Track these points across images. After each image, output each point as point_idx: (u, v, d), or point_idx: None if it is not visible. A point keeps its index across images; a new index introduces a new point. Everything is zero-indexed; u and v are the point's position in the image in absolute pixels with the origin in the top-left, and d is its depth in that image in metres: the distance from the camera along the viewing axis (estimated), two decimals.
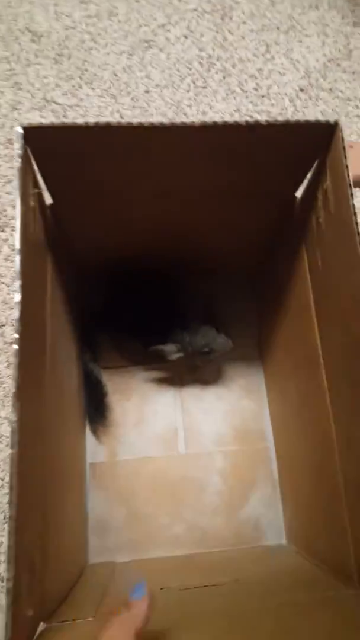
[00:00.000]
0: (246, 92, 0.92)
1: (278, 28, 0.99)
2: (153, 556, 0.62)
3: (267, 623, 0.37)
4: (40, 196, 0.46)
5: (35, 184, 0.45)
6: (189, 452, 0.68)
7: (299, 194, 0.53)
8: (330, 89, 0.94)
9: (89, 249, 0.62)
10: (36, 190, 0.44)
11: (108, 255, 0.64)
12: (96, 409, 0.68)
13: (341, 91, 0.94)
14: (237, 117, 0.90)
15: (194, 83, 0.92)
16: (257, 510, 0.66)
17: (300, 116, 0.91)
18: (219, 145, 0.42)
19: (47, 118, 0.87)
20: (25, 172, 0.40)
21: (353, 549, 0.45)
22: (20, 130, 0.39)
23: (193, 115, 0.90)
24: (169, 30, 0.97)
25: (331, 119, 0.40)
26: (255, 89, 0.93)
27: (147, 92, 0.91)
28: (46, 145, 0.41)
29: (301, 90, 0.93)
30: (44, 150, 0.42)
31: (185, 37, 0.97)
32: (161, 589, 0.45)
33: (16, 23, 0.95)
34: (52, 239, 0.51)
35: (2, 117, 0.87)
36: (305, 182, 0.50)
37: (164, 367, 0.72)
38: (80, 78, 0.91)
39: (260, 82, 0.94)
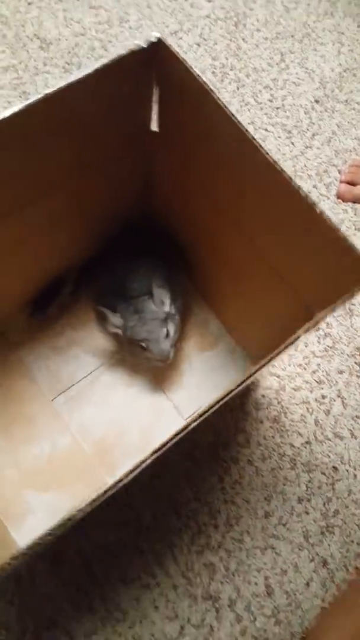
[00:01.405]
0: (260, 103, 0.90)
1: (292, 36, 0.97)
2: None
3: None
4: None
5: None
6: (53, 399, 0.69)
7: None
8: (346, 101, 0.92)
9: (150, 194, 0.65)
10: None
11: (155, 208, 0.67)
12: (42, 301, 0.69)
13: (357, 102, 0.92)
14: (251, 130, 0.88)
15: None
16: None
17: (316, 129, 0.88)
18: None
19: None
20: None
21: None
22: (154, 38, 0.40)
23: None
24: (181, 38, 0.95)
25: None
26: (270, 100, 0.90)
27: None
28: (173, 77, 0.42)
29: (316, 101, 0.91)
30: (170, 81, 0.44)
31: (198, 45, 0.94)
32: None
33: (24, 29, 0.93)
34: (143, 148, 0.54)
35: None
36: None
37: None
38: None
39: (274, 93, 0.91)
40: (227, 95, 0.90)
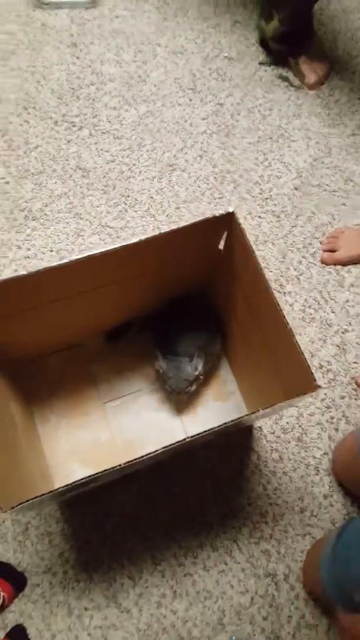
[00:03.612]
0: (254, 197, 1.18)
1: (271, 138, 1.25)
2: None
3: None
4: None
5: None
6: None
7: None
8: (319, 184, 1.19)
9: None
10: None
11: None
12: (116, 334, 0.99)
13: (327, 185, 1.19)
14: (249, 220, 1.15)
15: (212, 195, 1.18)
16: None
17: (298, 211, 1.16)
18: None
19: (105, 241, 1.13)
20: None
21: None
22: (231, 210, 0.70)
23: None
24: (186, 153, 1.23)
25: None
26: (260, 193, 1.18)
27: (177, 208, 1.17)
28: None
29: (296, 188, 1.18)
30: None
31: (200, 157, 1.23)
32: None
33: (68, 163, 1.22)
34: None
35: (70, 244, 1.13)
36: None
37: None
38: (125, 203, 1.17)
39: (262, 187, 1.19)
40: (227, 194, 1.18)
